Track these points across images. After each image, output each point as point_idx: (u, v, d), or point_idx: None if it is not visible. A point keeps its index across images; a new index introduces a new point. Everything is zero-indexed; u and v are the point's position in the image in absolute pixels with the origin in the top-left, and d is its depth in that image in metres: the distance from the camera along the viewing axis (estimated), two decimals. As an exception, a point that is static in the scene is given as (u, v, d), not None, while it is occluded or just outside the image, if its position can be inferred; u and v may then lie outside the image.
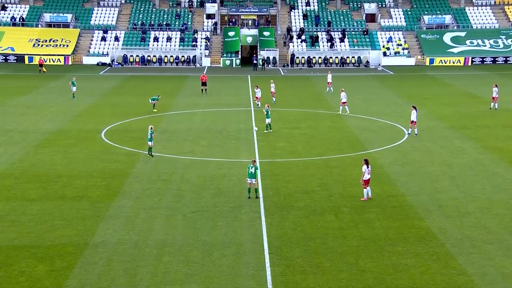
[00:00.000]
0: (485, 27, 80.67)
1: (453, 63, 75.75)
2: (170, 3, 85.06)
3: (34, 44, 76.64)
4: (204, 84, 52.87)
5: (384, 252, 19.53)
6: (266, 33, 78.71)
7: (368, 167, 24.29)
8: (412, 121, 35.75)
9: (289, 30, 78.75)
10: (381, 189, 26.05)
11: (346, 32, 79.70)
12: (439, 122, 40.46)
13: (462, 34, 79.23)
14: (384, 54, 77.34)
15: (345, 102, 43.09)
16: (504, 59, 75.93)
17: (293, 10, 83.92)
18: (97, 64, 74.46)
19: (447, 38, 79.01)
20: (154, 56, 76.45)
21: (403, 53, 77.88)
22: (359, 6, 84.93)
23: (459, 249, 19.75)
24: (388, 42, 79.02)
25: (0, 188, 26.00)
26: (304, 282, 17.43)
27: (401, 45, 78.72)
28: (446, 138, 35.92)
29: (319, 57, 76.80)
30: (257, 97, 45.49)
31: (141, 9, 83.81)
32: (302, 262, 18.78)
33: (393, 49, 78.19)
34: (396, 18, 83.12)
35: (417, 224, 22.03)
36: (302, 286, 17.25)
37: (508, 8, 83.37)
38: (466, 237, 20.78)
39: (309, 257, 19.14)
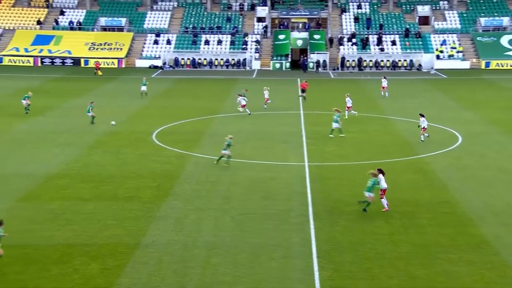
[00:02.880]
0: (544, 29, 78.21)
1: (511, 66, 73.62)
2: (221, 7, 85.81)
3: (90, 47, 78.63)
4: (303, 91, 50.54)
5: (435, 259, 19.16)
6: (317, 36, 78.44)
7: (383, 176, 23.58)
8: (423, 128, 34.70)
9: (331, 40, 78.12)
10: (433, 195, 25.58)
11: (401, 33, 78.57)
12: (494, 127, 39.45)
13: (522, 36, 76.96)
14: (438, 57, 75.89)
15: (350, 107, 42.11)
16: None
17: (344, 13, 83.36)
18: (149, 67, 75.77)
19: (504, 40, 76.89)
20: (205, 59, 77.25)
21: (457, 56, 76.23)
22: (412, 8, 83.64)
23: (514, 257, 19.20)
24: (441, 45, 77.51)
25: (56, 187, 26.77)
26: (352, 287, 17.27)
27: (455, 48, 77.07)
28: (500, 143, 35.00)
29: (370, 60, 75.99)
30: (243, 105, 44.00)
31: (193, 13, 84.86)
32: (351, 267, 18.61)
33: (447, 52, 76.63)
34: (450, 21, 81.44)
35: (471, 231, 21.52)
36: (350, 291, 17.11)
37: None
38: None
39: (358, 262, 18.95)
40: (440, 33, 79.37)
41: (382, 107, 47.34)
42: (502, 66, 73.74)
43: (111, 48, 78.49)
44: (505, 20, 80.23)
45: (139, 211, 23.61)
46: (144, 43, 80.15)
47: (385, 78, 53.95)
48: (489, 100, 50.91)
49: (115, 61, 76.65)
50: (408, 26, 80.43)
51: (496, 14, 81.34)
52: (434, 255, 19.44)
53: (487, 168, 29.65)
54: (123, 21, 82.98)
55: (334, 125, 36.63)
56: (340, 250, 19.80)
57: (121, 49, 78.52)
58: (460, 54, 76.39)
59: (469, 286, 17.36)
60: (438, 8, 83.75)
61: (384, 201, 23.49)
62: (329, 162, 31.17)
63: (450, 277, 17.91)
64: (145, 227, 21.86)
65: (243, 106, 43.83)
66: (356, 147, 34.60)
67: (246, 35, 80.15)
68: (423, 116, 35.00)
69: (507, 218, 22.71)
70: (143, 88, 52.08)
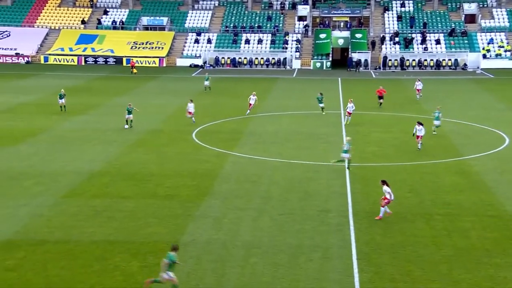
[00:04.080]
0: None
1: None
2: (262, 6, 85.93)
3: (132, 46, 79.82)
4: (381, 97, 47.68)
5: (480, 263, 18.78)
6: (358, 35, 77.80)
7: (388, 187, 22.51)
8: (419, 136, 32.69)
9: (374, 43, 77.34)
10: (477, 198, 25.09)
11: (446, 32, 77.25)
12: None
13: None
14: (484, 56, 74.31)
15: (350, 113, 40.25)
16: None
17: (387, 11, 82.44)
18: (190, 66, 76.43)
19: (553, 39, 74.79)
20: (245, 58, 77.47)
21: (505, 55, 74.49)
22: (458, 6, 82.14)
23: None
24: (488, 43, 75.86)
25: (98, 185, 27.28)
26: (392, 290, 17.10)
27: (503, 46, 75.33)
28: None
29: (413, 60, 74.96)
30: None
31: (234, 12, 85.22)
32: (391, 269, 18.41)
33: (494, 51, 74.97)
34: (498, 19, 79.63)
35: (516, 235, 21.04)
36: (391, 294, 16.92)
37: None
38: None
39: (398, 264, 18.74)
40: (487, 32, 77.71)
41: (424, 107, 46.60)
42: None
43: (152, 47, 79.49)
44: (555, 18, 78.07)
45: (179, 210, 23.85)
46: (185, 42, 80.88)
47: (419, 80, 52.35)
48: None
49: (157, 60, 77.59)
50: (453, 25, 78.99)
51: (546, 11, 79.24)
52: (478, 259, 19.07)
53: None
54: (165, 20, 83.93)
55: (436, 122, 36.82)
56: (380, 252, 19.61)
57: (162, 48, 79.42)
58: (508, 53, 74.61)
59: (514, 291, 16.99)
60: (485, 5, 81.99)
61: (383, 209, 22.43)
62: (370, 163, 30.89)
63: (495, 282, 17.56)
64: (185, 226, 22.08)
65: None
66: (397, 147, 34.19)
67: (286, 34, 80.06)
68: (421, 124, 32.73)
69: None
70: (206, 83, 56.00)
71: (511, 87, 59.04)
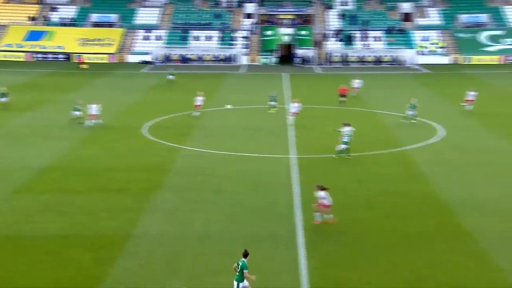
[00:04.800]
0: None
1: (489, 61, 74.07)
2: (210, 3, 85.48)
3: (82, 43, 78.04)
4: (343, 96, 46.43)
5: (419, 248, 19.24)
6: (303, 32, 78.45)
7: (324, 192, 20.95)
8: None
9: (318, 40, 78.18)
10: (416, 187, 25.69)
11: (385, 29, 78.79)
12: (476, 121, 39.65)
13: (499, 32, 77.46)
14: (420, 52, 76.20)
15: (295, 113, 38.34)
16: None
17: (329, 9, 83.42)
18: (140, 62, 75.33)
19: (483, 36, 77.35)
20: (195, 54, 76.93)
21: (439, 51, 76.58)
22: (395, 5, 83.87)
23: (495, 246, 19.33)
24: (424, 41, 77.82)
25: (49, 180, 26.56)
26: (339, 276, 17.31)
27: (437, 43, 77.43)
28: (481, 137, 35.20)
29: (355, 56, 76.10)
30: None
31: (182, 9, 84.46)
32: (337, 256, 18.66)
33: (429, 48, 76.96)
34: (432, 17, 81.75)
35: (453, 221, 21.64)
36: (337, 279, 17.13)
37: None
38: (501, 234, 20.34)
39: (344, 251, 19.01)
40: (422, 29, 79.65)
41: (367, 101, 47.37)
42: (482, 62, 74.12)
43: (102, 44, 77.95)
44: (484, 17, 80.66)
45: (131, 203, 23.49)
46: (135, 39, 79.65)
47: (357, 79, 51.40)
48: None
49: (106, 56, 76.15)
50: (391, 23, 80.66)
51: (475, 11, 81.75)
52: (418, 244, 19.52)
53: (469, 161, 29.80)
54: (114, 17, 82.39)
55: (411, 112, 37.73)
56: (327, 239, 19.83)
57: (112, 44, 78.00)
58: (442, 50, 76.73)
59: (451, 273, 17.48)
60: (420, 5, 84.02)
61: (319, 214, 20.99)
62: (316, 155, 31.18)
63: (434, 265, 18.01)
64: (136, 219, 21.75)
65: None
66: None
67: (234, 31, 79.93)
68: (348, 125, 30.99)
69: (487, 209, 22.85)
70: (171, 77, 57.95)
71: (445, 81, 60.69)
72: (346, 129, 30.28)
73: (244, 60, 76.39)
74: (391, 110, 43.35)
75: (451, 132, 36.12)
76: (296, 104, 38.97)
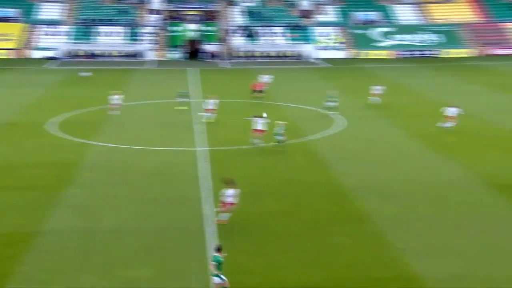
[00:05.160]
0: (409, 23, 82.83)
1: (382, 56, 77.45)
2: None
3: (-19, 38, 73.65)
4: (257, 91, 45.22)
5: (324, 233, 19.81)
6: (209, 28, 78.35)
7: (233, 190, 20.00)
8: (261, 130, 30.45)
9: (223, 36, 78.48)
10: (320, 175, 26.41)
11: (288, 25, 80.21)
12: (371, 111, 41.27)
13: (389, 29, 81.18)
14: (319, 47, 78.36)
15: (210, 110, 37.11)
16: (426, 52, 78.13)
17: (234, 6, 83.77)
18: (44, 58, 72.12)
19: (375, 33, 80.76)
20: (101, 50, 74.69)
21: (337, 46, 79.09)
22: (294, 2, 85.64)
23: (390, 227, 20.25)
24: (323, 36, 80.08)
25: (-49, 180, 24.91)
26: (248, 264, 17.50)
27: (334, 39, 79.94)
28: (377, 125, 36.71)
29: (260, 51, 77.00)
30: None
31: (87, 5, 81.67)
32: (247, 244, 18.86)
33: (328, 43, 79.31)
34: (329, 14, 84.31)
35: (354, 206, 22.42)
36: (246, 267, 17.32)
37: (427, 7, 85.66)
38: (397, 216, 21.32)
39: (253, 239, 19.24)
40: (321, 26, 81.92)
41: (273, 94, 48.02)
42: (375, 56, 77.35)
43: (4, 39, 73.86)
44: (376, 14, 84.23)
45: (40, 200, 22.53)
46: (38, 34, 76.15)
47: (265, 76, 51.24)
48: (366, 86, 53.13)
49: (7, 51, 72.29)
50: (292, 19, 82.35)
51: (367, 9, 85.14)
52: (322, 229, 20.10)
53: (367, 149, 31.00)
54: (16, 11, 78.23)
55: (328, 104, 38.52)
56: (236, 229, 19.95)
57: (14, 40, 74.09)
58: (339, 45, 79.27)
59: (350, 255, 18.11)
60: (318, 3, 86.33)
61: (225, 215, 20.09)
62: (225, 147, 31.30)
63: (336, 249, 18.58)
64: (47, 215, 20.90)
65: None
66: (249, 131, 34.91)
67: (141, 27, 78.37)
68: (260, 117, 30.67)
69: (384, 193, 23.87)
70: (84, 74, 55.43)
71: (344, 74, 62.76)
72: (261, 120, 30.46)
73: (151, 56, 75.12)
74: (295, 102, 44.27)
75: (351, 122, 37.42)
76: (211, 101, 38.17)
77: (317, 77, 60.06)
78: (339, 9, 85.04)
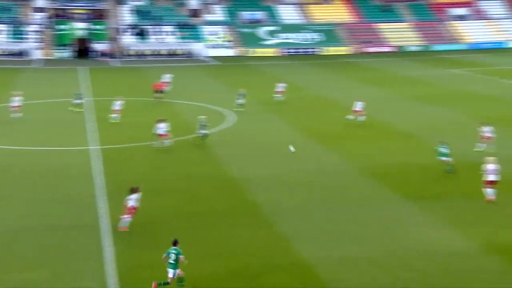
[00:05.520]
0: (292, 22, 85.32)
1: (268, 54, 79.14)
2: (-2, -4, 78.18)
3: None
4: (159, 91, 43.15)
5: (218, 224, 20.01)
6: (98, 27, 75.79)
7: (136, 195, 19.26)
8: (161, 135, 29.30)
9: (114, 34, 76.41)
10: (214, 168, 26.58)
11: (177, 24, 79.54)
12: (260, 106, 42.06)
13: (274, 28, 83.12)
14: (209, 46, 78.58)
15: (117, 111, 35.87)
16: (309, 50, 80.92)
17: (123, 5, 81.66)
18: None
19: (262, 31, 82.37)
20: (-17, 48, 69.81)
21: (226, 45, 79.72)
22: (183, 2, 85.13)
23: (281, 217, 20.77)
24: (212, 35, 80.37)
25: None
26: (147, 259, 17.31)
27: (223, 37, 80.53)
28: (266, 120, 37.50)
29: (150, 50, 75.79)
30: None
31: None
32: (141, 239, 18.65)
33: (217, 42, 79.73)
34: (217, 14, 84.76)
35: (247, 197, 22.75)
36: (146, 262, 17.13)
37: (308, 7, 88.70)
38: (286, 205, 21.91)
39: (148, 234, 19.05)
40: (209, 25, 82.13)
41: (171, 94, 47.44)
42: (262, 54, 78.89)
43: None
44: (262, 14, 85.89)
45: None
46: None
47: (167, 75, 49.82)
48: (255, 82, 54.13)
49: None
50: (181, 18, 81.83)
51: (253, 8, 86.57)
52: (219, 221, 20.26)
53: (258, 143, 31.58)
54: None
55: (238, 101, 37.92)
56: (134, 225, 19.65)
57: None
58: (228, 43, 79.96)
59: (246, 245, 18.44)
60: (206, 2, 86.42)
61: (128, 219, 19.20)
62: (118, 145, 30.60)
63: (234, 239, 18.80)
64: None
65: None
66: (142, 129, 34.36)
67: (25, 25, 74.11)
68: (162, 121, 29.76)
69: (276, 184, 24.46)
70: None
71: (233, 71, 63.40)
72: (162, 125, 29.28)
73: (38, 54, 71.34)
74: (188, 100, 44.12)
75: (241, 117, 37.96)
76: (119, 102, 36.81)
77: (208, 74, 60.21)
78: (227, 9, 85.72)
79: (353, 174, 25.84)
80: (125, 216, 19.13)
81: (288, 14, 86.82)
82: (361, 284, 15.84)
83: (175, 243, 15.53)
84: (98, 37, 74.45)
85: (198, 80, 56.09)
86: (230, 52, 78.42)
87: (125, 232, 19.00)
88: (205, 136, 30.71)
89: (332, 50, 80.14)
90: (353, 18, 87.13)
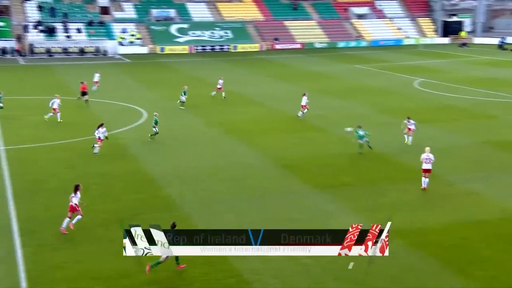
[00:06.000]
0: (203, 20, 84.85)
1: (180, 51, 78.23)
2: None
3: None
4: (84, 93, 39.86)
5: (133, 221, 19.35)
6: (1, 24, 71.44)
7: (75, 194, 18.49)
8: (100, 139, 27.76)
9: (19, 32, 72.51)
10: (127, 166, 25.85)
11: (86, 21, 76.58)
12: (173, 102, 41.50)
13: (185, 26, 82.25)
14: (120, 43, 76.38)
15: (55, 109, 34.35)
16: (220, 47, 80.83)
17: (27, 1, 77.44)
18: None
19: (173, 29, 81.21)
20: None
21: (137, 42, 77.86)
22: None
23: (194, 210, 20.62)
24: (122, 32, 78.13)
25: None
26: (55, 258, 16.51)
27: (134, 35, 78.56)
28: (180, 116, 37.03)
29: (59, 47, 72.46)
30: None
31: None
32: (54, 239, 17.76)
33: (128, 39, 77.67)
34: (127, 11, 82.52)
35: (161, 193, 22.38)
36: (55, 262, 16.31)
37: (217, 5, 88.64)
38: (199, 199, 21.78)
39: (60, 234, 18.14)
40: (120, 22, 79.84)
41: (73, 91, 45.57)
42: (174, 51, 77.85)
43: None
44: (172, 12, 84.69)
45: None
46: None
47: (96, 74, 47.29)
48: (166, 79, 53.32)
49: None
50: (91, 16, 78.87)
51: (164, 6, 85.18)
52: (131, 218, 19.63)
53: (171, 139, 31.06)
54: None
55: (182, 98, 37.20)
56: (43, 226, 18.67)
57: None
58: (139, 41, 78.14)
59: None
60: (116, 0, 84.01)
61: (78, 218, 18.49)
62: (27, 145, 28.95)
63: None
64: None
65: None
66: (52, 128, 32.80)
67: None
68: (100, 126, 28.05)
69: (188, 179, 24.23)
70: None
71: (144, 69, 62.04)
72: (102, 130, 27.71)
73: None
74: (99, 97, 42.58)
75: (153, 114, 37.13)
76: (58, 100, 34.74)
77: (120, 72, 58.51)
78: (137, 6, 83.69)
79: (264, 166, 26.02)
80: (69, 215, 18.23)
81: (199, 11, 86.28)
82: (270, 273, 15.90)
83: (173, 227, 15.37)
84: (1, 34, 70.16)
85: (111, 78, 54.33)
86: (142, 50, 76.70)
87: (34, 233, 17.97)
88: (155, 134, 30.24)
89: (243, 47, 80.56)
90: (262, 16, 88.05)
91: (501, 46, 78.90)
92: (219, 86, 43.35)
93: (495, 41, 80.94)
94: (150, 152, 28.27)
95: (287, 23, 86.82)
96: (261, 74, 57.74)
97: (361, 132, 27.33)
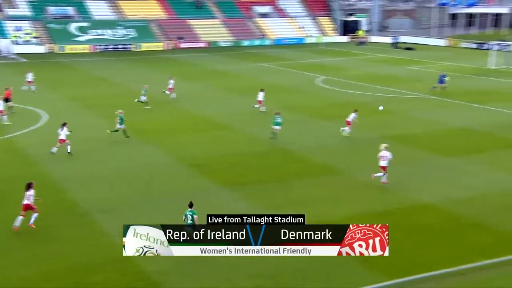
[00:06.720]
0: (104, 18, 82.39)
1: (81, 50, 75.43)
2: None
3: None
4: (7, 100, 35.73)
5: (42, 227, 18.55)
6: None
7: (29, 191, 18.51)
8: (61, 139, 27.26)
9: None
10: (25, 170, 24.56)
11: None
12: (75, 103, 40.01)
13: (86, 24, 79.43)
14: (15, 42, 72.25)
15: (2, 111, 33.19)
16: (123, 46, 78.91)
17: None
18: None
19: (73, 27, 78.13)
20: None
21: (34, 41, 74.02)
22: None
23: (102, 214, 20.04)
24: (17, 31, 73.94)
25: None
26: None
27: (30, 34, 74.60)
28: (82, 117, 35.78)
29: None
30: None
31: None
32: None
33: (23, 38, 73.60)
34: (21, 8, 78.19)
35: (66, 197, 21.58)
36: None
37: (119, 3, 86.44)
38: (106, 202, 21.21)
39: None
40: (13, 20, 75.50)
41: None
42: (74, 50, 74.92)
43: None
44: (71, 9, 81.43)
45: None
46: None
47: (29, 74, 45.02)
48: (67, 79, 51.24)
49: None
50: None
51: (62, 3, 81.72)
52: (39, 223, 18.78)
53: (74, 141, 29.82)
54: None
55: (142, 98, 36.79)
56: None
57: None
58: (36, 40, 74.35)
59: (72, 245, 17.43)
60: (9, -4, 79.38)
61: (35, 215, 18.48)
62: None
63: (55, 241, 17.65)
64: None
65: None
66: None
67: None
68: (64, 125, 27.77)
69: (93, 182, 23.45)
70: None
71: (43, 69, 59.16)
72: (63, 130, 26.99)
73: None
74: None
75: (54, 115, 35.61)
76: (1, 102, 32.57)
77: (16, 73, 55.33)
78: (32, 3, 79.49)
79: (172, 166, 25.78)
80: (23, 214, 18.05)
81: (100, 9, 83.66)
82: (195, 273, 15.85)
83: (191, 205, 16.58)
84: None
85: (7, 78, 51.26)
86: (39, 49, 73.06)
87: None
88: (118, 130, 29.69)
89: (147, 46, 79.18)
90: (166, 14, 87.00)
91: (394, 44, 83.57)
92: (170, 86, 42.19)
93: (390, 39, 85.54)
94: (52, 155, 27.03)
95: (191, 21, 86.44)
96: (166, 73, 57.07)
97: (278, 119, 29.44)
